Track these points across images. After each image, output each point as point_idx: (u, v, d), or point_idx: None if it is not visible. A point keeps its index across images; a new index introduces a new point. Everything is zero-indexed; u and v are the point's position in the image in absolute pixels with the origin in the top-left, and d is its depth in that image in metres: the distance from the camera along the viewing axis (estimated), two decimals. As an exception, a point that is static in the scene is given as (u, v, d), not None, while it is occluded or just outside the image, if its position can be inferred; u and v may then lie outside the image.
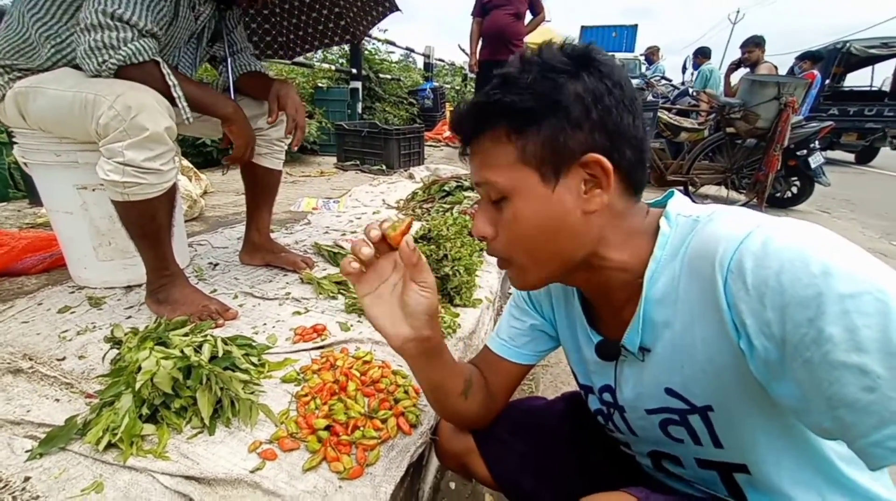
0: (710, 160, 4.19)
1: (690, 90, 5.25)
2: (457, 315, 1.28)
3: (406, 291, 0.58)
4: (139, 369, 0.80)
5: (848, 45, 7.43)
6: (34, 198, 2.19)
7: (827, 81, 7.29)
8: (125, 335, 0.99)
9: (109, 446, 0.74)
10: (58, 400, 0.86)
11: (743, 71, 4.74)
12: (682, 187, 4.14)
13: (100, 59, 1.00)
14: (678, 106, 4.82)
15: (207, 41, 1.34)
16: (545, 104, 0.48)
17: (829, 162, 5.39)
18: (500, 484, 0.78)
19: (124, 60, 1.01)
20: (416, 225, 2.09)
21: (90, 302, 1.25)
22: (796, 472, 0.48)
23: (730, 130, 3.93)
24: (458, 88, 9.39)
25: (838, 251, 0.38)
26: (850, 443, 0.38)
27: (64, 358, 0.99)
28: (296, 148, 1.42)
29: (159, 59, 1.05)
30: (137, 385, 0.78)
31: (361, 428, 0.81)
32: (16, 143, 1.24)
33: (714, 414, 0.49)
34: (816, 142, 3.86)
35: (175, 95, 1.07)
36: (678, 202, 0.54)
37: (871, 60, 7.83)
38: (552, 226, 0.51)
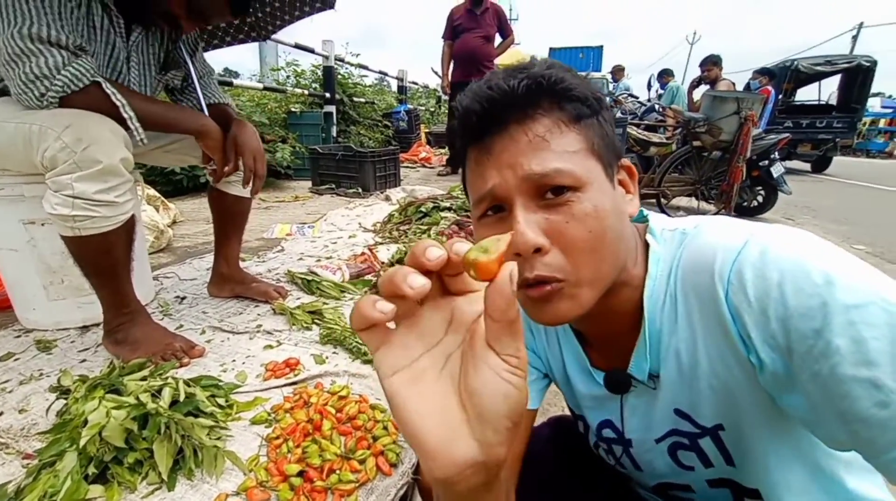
0: (679, 173, 4.32)
1: (657, 107, 5.46)
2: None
3: (475, 369, 0.27)
4: (86, 422, 0.72)
5: (796, 63, 7.95)
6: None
7: (780, 97, 7.74)
8: (73, 382, 0.90)
9: (49, 514, 0.65)
10: (-8, 463, 0.76)
11: (704, 88, 4.98)
12: (654, 200, 4.25)
13: (38, 93, 0.93)
14: (646, 121, 4.99)
15: (157, 68, 1.27)
16: (596, 100, 0.45)
17: (789, 171, 5.65)
18: None
19: (64, 89, 0.94)
20: (394, 248, 2.05)
21: (38, 347, 1.15)
22: (804, 492, 0.46)
23: (696, 143, 4.08)
24: (432, 109, 9.54)
25: (837, 259, 0.36)
26: (868, 458, 0.36)
27: (1, 413, 0.89)
28: (255, 196, 1.35)
29: (100, 80, 0.98)
30: (83, 441, 0.70)
31: (338, 472, 0.75)
32: (-45, 177, 1.15)
33: (725, 433, 0.47)
34: (776, 152, 4.05)
35: (125, 115, 1.00)
36: (658, 218, 0.52)
37: (818, 77, 8.39)
38: (619, 226, 0.45)
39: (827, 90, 8.99)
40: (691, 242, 0.46)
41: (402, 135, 6.60)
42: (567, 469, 0.73)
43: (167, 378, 0.88)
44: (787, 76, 7.97)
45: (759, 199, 4.34)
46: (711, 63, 4.90)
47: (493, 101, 0.44)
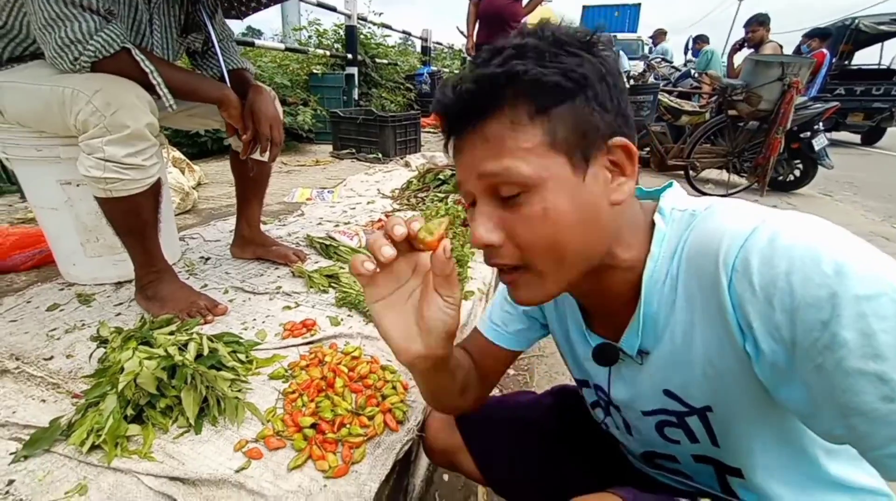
0: (711, 144, 4.12)
1: (693, 72, 5.14)
2: (448, 308, 1.27)
3: (427, 303, 0.49)
4: (122, 369, 0.80)
5: (857, 21, 7.22)
6: (24, 193, 2.17)
7: (834, 60, 7.12)
8: (110, 333, 0.98)
9: (94, 447, 0.74)
10: (44, 401, 0.86)
11: (747, 51, 4.64)
12: (682, 172, 4.10)
13: (72, 57, 0.97)
14: (679, 88, 4.73)
15: (178, 31, 1.28)
16: (573, 80, 0.42)
17: (834, 143, 5.29)
18: (488, 480, 0.78)
19: (96, 54, 0.97)
20: (410, 215, 2.07)
21: (79, 299, 1.25)
22: (785, 475, 0.48)
23: (732, 112, 3.86)
24: (456, 71, 9.23)
25: (851, 249, 0.35)
26: (863, 452, 0.36)
27: (51, 358, 0.99)
28: (272, 162, 1.36)
29: (130, 46, 1.01)
30: (120, 386, 0.77)
31: (348, 426, 0.81)
32: (-2, 137, 1.22)
33: (713, 415, 0.48)
34: (820, 123, 3.79)
35: (154, 81, 1.03)
36: (672, 196, 0.50)
37: (881, 37, 7.61)
38: (584, 220, 0.44)
39: (890, 53, 8.17)
40: (700, 224, 0.44)
41: (425, 98, 6.46)
42: (564, 434, 0.76)
43: (192, 334, 0.95)
44: (846, 36, 7.28)
45: (797, 173, 4.12)
46: (757, 23, 4.52)
47: (448, 108, 0.45)
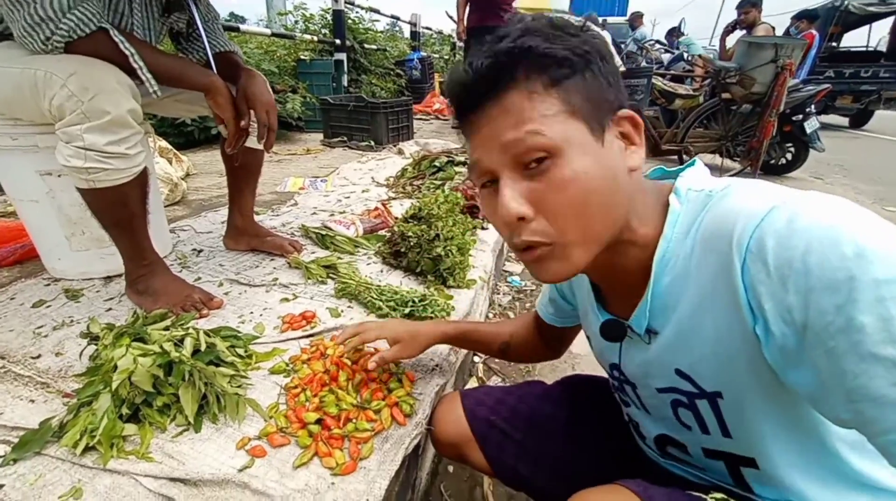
0: (704, 128, 4.11)
1: (685, 55, 5.09)
2: (450, 298, 1.25)
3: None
4: (116, 367, 0.76)
5: (846, 2, 7.22)
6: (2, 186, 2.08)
7: (823, 42, 7.12)
8: (101, 330, 0.94)
9: (88, 449, 0.70)
10: (33, 401, 0.82)
11: (739, 34, 4.60)
12: (676, 157, 4.09)
13: (43, 36, 0.90)
14: (672, 71, 4.70)
15: (160, 10, 1.20)
16: (579, 56, 0.44)
17: (823, 127, 5.31)
18: (497, 472, 0.77)
19: (70, 34, 0.91)
20: (407, 203, 2.04)
21: (67, 295, 1.20)
22: (803, 465, 0.47)
23: (725, 95, 3.84)
24: (446, 57, 9.09)
25: (873, 231, 0.34)
26: (869, 438, 0.35)
27: (39, 356, 0.94)
28: (268, 151, 1.30)
29: (107, 26, 0.94)
30: (115, 385, 0.74)
31: (354, 421, 0.78)
32: (-30, 126, 1.15)
33: (723, 402, 0.47)
34: (812, 106, 3.79)
35: (135, 65, 0.97)
36: (690, 175, 0.50)
37: (870, 19, 7.62)
38: (608, 185, 0.44)
39: (878, 35, 8.19)
40: (716, 205, 0.44)
41: (416, 84, 6.36)
42: (573, 426, 0.75)
43: (188, 329, 0.91)
44: (835, 18, 7.27)
45: (788, 157, 4.14)
46: (749, 4, 4.49)
47: (464, 85, 0.46)
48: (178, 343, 0.85)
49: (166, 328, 0.91)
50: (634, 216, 0.48)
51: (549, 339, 0.83)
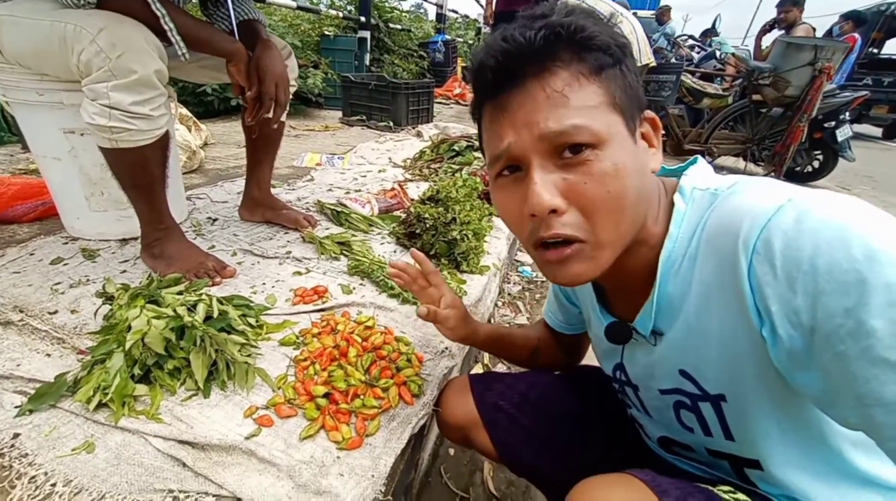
0: (730, 130, 4.00)
1: (717, 53, 4.92)
2: (463, 282, 1.23)
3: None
4: (129, 328, 0.76)
5: (892, 7, 6.90)
6: (25, 142, 2.11)
7: (866, 48, 6.84)
8: (117, 290, 0.94)
9: (101, 405, 0.71)
10: (49, 355, 0.83)
11: (777, 33, 4.43)
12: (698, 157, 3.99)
13: None
14: (703, 69, 4.55)
15: None
16: (618, 47, 0.42)
17: (854, 136, 5.12)
18: (503, 457, 0.76)
19: None
20: (423, 186, 2.02)
21: (84, 254, 1.21)
22: (808, 466, 0.46)
23: (756, 97, 3.72)
24: (470, 42, 8.94)
25: (884, 231, 0.32)
26: (879, 442, 0.34)
27: (56, 312, 0.96)
28: (274, 125, 1.28)
29: None
30: (128, 345, 0.74)
31: (362, 397, 0.78)
32: (-3, 79, 1.15)
33: (727, 405, 0.46)
34: (847, 113, 3.66)
35: (165, 27, 0.96)
36: (694, 174, 0.48)
37: (915, 27, 7.29)
38: (640, 183, 0.43)
39: (923, 44, 7.82)
40: (721, 204, 0.43)
41: (438, 67, 6.26)
42: (582, 415, 0.74)
43: (201, 295, 0.91)
44: (879, 23, 6.96)
45: (815, 164, 4.01)
46: (791, 3, 4.29)
47: (508, 54, 0.42)
48: (191, 308, 0.85)
49: (180, 293, 0.91)
50: (650, 216, 0.47)
51: (564, 345, 0.82)
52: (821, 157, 3.95)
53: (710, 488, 0.49)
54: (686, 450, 0.57)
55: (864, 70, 6.91)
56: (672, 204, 0.47)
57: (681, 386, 0.50)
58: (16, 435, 0.66)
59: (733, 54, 4.40)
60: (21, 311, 0.93)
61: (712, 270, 0.42)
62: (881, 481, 0.45)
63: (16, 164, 1.97)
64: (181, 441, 0.68)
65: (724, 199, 0.43)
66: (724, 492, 0.47)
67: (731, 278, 0.39)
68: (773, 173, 3.73)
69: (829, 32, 5.71)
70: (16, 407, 0.71)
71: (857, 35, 4.93)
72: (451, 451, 1.14)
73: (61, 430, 0.68)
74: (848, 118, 3.71)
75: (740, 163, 4.05)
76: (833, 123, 3.65)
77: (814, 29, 4.38)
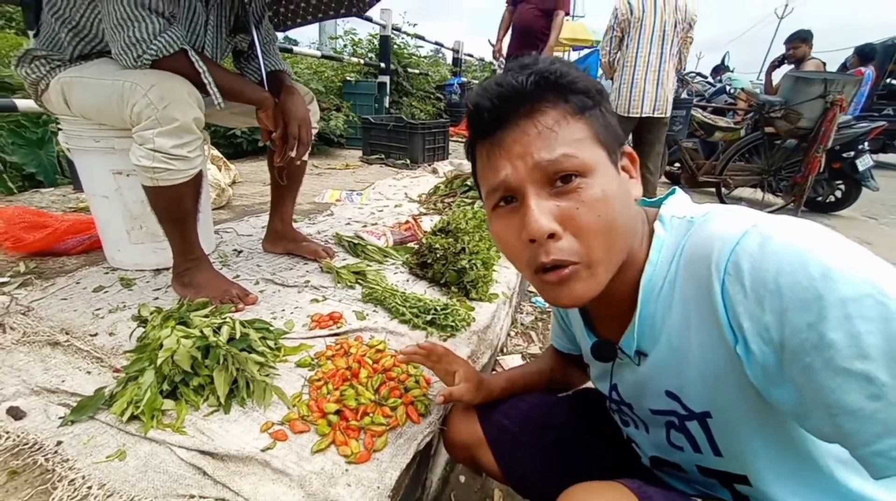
0: (745, 161, 4.01)
1: (728, 89, 5.02)
2: (472, 309, 1.28)
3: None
4: (161, 346, 0.84)
5: (903, 41, 6.94)
6: (77, 184, 2.31)
7: (885, 79, 6.85)
8: (150, 314, 1.03)
9: (133, 418, 0.78)
10: (89, 373, 0.91)
11: (786, 68, 4.51)
12: (714, 189, 3.99)
13: (135, 55, 1.05)
14: (714, 104, 4.63)
15: (228, 31, 1.36)
16: (597, 91, 0.49)
17: (881, 166, 5.02)
18: (506, 475, 0.78)
19: (157, 54, 1.05)
20: (437, 219, 2.10)
21: (122, 283, 1.32)
22: (795, 483, 0.47)
23: (769, 129, 3.75)
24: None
25: (838, 253, 0.36)
26: (851, 450, 0.36)
27: (96, 334, 1.05)
28: (298, 163, 1.40)
29: (187, 48, 1.08)
30: (159, 361, 0.81)
31: (371, 415, 0.82)
32: (61, 129, 1.31)
33: (712, 421, 0.48)
34: (866, 143, 3.64)
35: (205, 80, 1.10)
36: (673, 203, 0.53)
37: (931, 58, 7.28)
38: (626, 209, 0.48)
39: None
40: (696, 230, 0.46)
41: (454, 108, 6.53)
42: (583, 436, 0.76)
43: (226, 318, 0.99)
44: (894, 56, 7.00)
45: (838, 194, 3.96)
46: (799, 40, 4.40)
47: (503, 97, 0.47)
48: (216, 330, 0.93)
49: (206, 316, 0.99)
50: (635, 240, 0.51)
51: (575, 366, 0.86)
52: (843, 187, 3.91)
53: (698, 499, 0.51)
54: (677, 470, 0.58)
55: (885, 101, 6.89)
56: (653, 232, 0.51)
57: (670, 407, 0.52)
58: (59, 443, 0.73)
59: (743, 89, 4.49)
60: (66, 333, 1.02)
61: (691, 292, 0.45)
62: (864, 497, 0.45)
63: (67, 203, 2.16)
64: (202, 452, 0.73)
65: (699, 226, 0.46)
66: None
67: (707, 299, 0.42)
68: (793, 204, 3.69)
69: (842, 66, 5.76)
70: (59, 418, 0.78)
71: (863, 69, 4.96)
72: (462, 478, 1.15)
73: (98, 439, 0.74)
74: (868, 148, 3.68)
75: (758, 194, 4.03)
76: (852, 153, 3.63)
77: (823, 64, 4.44)
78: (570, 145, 0.46)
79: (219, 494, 0.66)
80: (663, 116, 2.67)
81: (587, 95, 0.48)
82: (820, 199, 4.00)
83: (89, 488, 0.65)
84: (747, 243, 0.39)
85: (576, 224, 0.45)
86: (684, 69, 2.96)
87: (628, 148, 0.52)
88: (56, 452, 0.71)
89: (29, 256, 1.45)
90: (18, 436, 0.74)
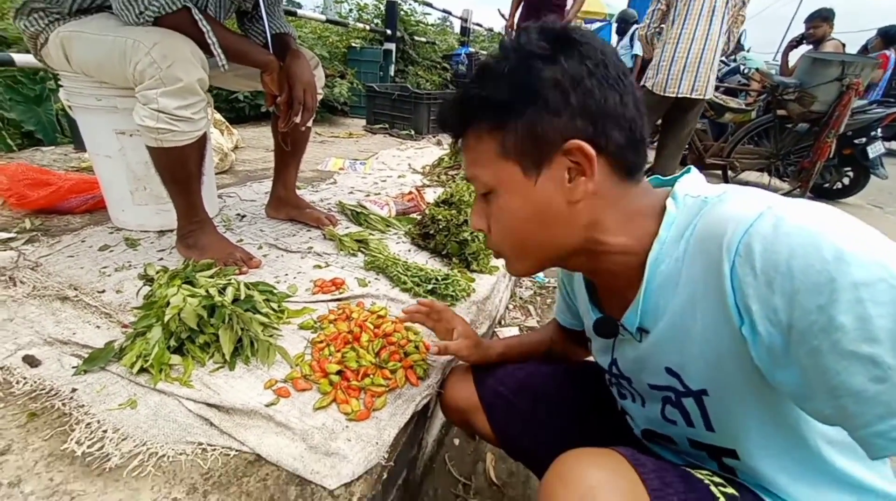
0: (754, 145, 3.95)
1: (742, 68, 4.89)
2: (472, 280, 1.30)
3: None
4: (168, 304, 0.86)
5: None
6: (78, 144, 2.29)
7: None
8: (157, 273, 1.05)
9: (142, 370, 0.81)
10: (98, 327, 0.93)
11: (805, 48, 4.38)
12: (720, 171, 3.96)
13: (137, 11, 1.02)
14: (726, 84, 4.52)
15: None
16: (521, 94, 0.48)
17: (892, 153, 4.94)
18: (500, 440, 0.81)
19: (159, 10, 1.03)
20: (440, 191, 2.10)
21: (126, 243, 1.33)
22: (784, 461, 0.49)
23: (781, 112, 3.68)
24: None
25: (853, 236, 0.36)
26: (850, 431, 0.37)
27: (104, 291, 1.07)
28: (303, 128, 1.40)
29: (190, 5, 1.06)
30: (166, 318, 0.84)
31: (371, 376, 0.85)
32: (61, 86, 1.29)
33: (708, 399, 0.49)
34: (879, 130, 3.57)
35: (209, 41, 1.08)
36: (687, 182, 0.52)
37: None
38: (537, 218, 0.52)
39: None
40: (709, 210, 0.46)
41: (461, 79, 6.37)
42: (578, 406, 0.78)
43: (230, 280, 1.00)
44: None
45: (846, 181, 3.92)
46: (820, 18, 4.24)
47: (442, 118, 0.57)
48: (221, 291, 0.95)
49: (211, 277, 1.01)
50: (602, 232, 0.52)
51: (576, 341, 0.86)
52: (851, 174, 3.86)
53: (688, 469, 0.54)
54: (668, 442, 0.61)
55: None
56: (663, 210, 0.50)
57: (668, 383, 0.53)
58: (73, 390, 0.76)
59: (757, 69, 4.37)
60: (75, 289, 1.05)
61: (698, 272, 0.44)
62: (857, 481, 0.47)
63: (69, 162, 2.15)
64: (209, 404, 0.76)
65: (712, 206, 0.45)
66: (702, 474, 0.51)
67: (715, 279, 0.42)
68: (799, 189, 3.66)
69: (863, 48, 5.58)
70: (73, 368, 0.81)
71: (888, 52, 4.80)
72: (456, 441, 1.19)
73: (110, 389, 0.77)
74: (880, 135, 3.62)
75: (764, 178, 3.99)
76: (864, 140, 3.58)
77: (843, 45, 4.31)
78: (477, 166, 0.53)
79: (225, 443, 0.70)
80: (702, 97, 2.52)
81: (503, 108, 0.49)
82: (827, 185, 3.96)
83: (104, 431, 0.69)
84: (761, 225, 0.39)
85: (490, 227, 0.56)
86: (731, 49, 2.77)
87: (575, 143, 0.47)
88: (71, 398, 0.74)
89: (33, 213, 1.46)
90: (35, 382, 0.77)
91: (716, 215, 0.44)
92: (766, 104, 3.88)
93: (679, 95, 2.51)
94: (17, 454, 0.65)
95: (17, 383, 0.77)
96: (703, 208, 0.47)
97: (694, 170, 0.54)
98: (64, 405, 0.73)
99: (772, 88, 3.70)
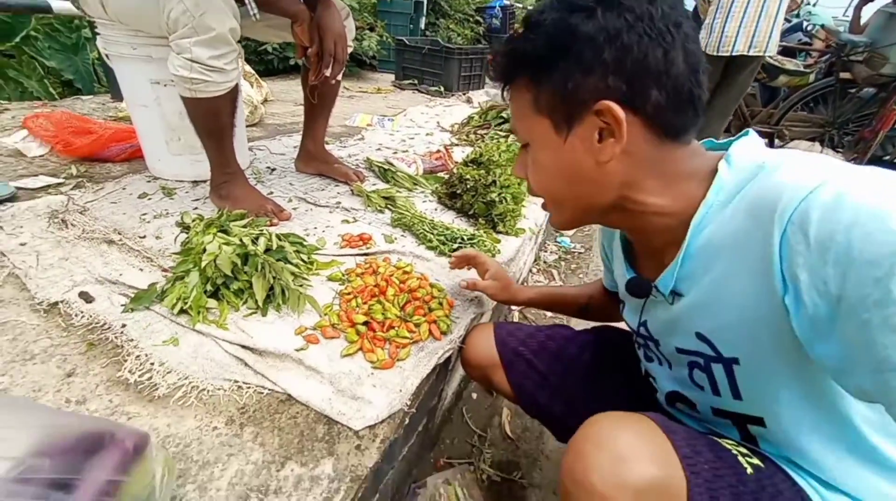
0: (808, 111, 3.65)
1: (805, 24, 4.44)
2: (498, 241, 1.29)
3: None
4: (204, 250, 0.90)
5: None
6: (115, 93, 2.34)
7: None
8: (193, 221, 1.09)
9: (182, 311, 0.86)
10: (141, 270, 0.99)
11: (882, 2, 3.92)
12: (766, 140, 3.70)
13: None
14: (784, 43, 4.13)
15: None
16: (555, 49, 0.47)
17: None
18: (518, 396, 0.84)
19: None
20: (468, 150, 2.06)
21: (164, 191, 1.38)
22: (814, 431, 0.48)
23: (844, 75, 3.36)
24: (529, 7, 8.53)
25: None
26: (888, 406, 0.36)
27: (144, 236, 1.12)
28: (332, 81, 1.37)
29: None
30: (203, 264, 0.88)
31: (396, 329, 0.88)
32: (98, 34, 1.30)
33: (738, 368, 0.49)
34: (955, 98, 3.23)
35: None
36: (744, 145, 0.49)
37: None
38: (566, 175, 0.52)
39: None
40: (766, 176, 0.43)
41: (494, 34, 6.07)
42: (596, 370, 0.79)
43: (262, 230, 1.03)
44: None
45: (907, 154, 3.61)
46: (904, -33, 3.76)
47: (492, 77, 0.58)
48: (255, 240, 0.98)
49: (245, 227, 1.04)
50: (638, 191, 0.51)
51: (617, 305, 0.86)
52: (915, 146, 3.55)
53: (715, 438, 0.54)
54: (689, 408, 0.60)
55: None
56: (713, 173, 0.48)
57: (696, 348, 0.52)
58: (123, 325, 0.82)
59: (823, 26, 3.96)
60: (119, 233, 1.10)
61: (743, 238, 0.43)
62: (889, 461, 0.46)
63: (106, 111, 2.21)
64: (243, 346, 0.81)
65: (769, 172, 0.43)
66: (729, 444, 0.51)
67: (761, 247, 0.41)
68: (855, 160, 3.41)
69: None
70: (122, 305, 0.87)
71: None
72: (475, 395, 1.24)
73: (154, 326, 0.83)
74: (955, 104, 3.28)
75: (815, 148, 3.72)
76: (935, 108, 3.25)
77: (928, -3, 3.82)
78: (516, 118, 0.55)
79: (259, 382, 0.75)
80: (760, 54, 2.32)
81: (540, 62, 0.49)
82: (887, 158, 3.66)
83: (152, 364, 0.74)
84: (822, 194, 0.37)
85: (529, 178, 0.58)
86: (800, 6, 2.50)
87: (605, 104, 0.45)
88: (122, 333, 0.81)
89: (78, 159, 1.53)
90: (91, 316, 0.84)
91: (772, 181, 0.42)
92: (828, 66, 3.55)
93: (734, 54, 2.32)
94: (80, 377, 0.73)
95: (76, 316, 0.84)
96: (758, 173, 0.44)
97: (752, 133, 0.51)
98: (116, 338, 0.79)
99: (838, 47, 3.37)
